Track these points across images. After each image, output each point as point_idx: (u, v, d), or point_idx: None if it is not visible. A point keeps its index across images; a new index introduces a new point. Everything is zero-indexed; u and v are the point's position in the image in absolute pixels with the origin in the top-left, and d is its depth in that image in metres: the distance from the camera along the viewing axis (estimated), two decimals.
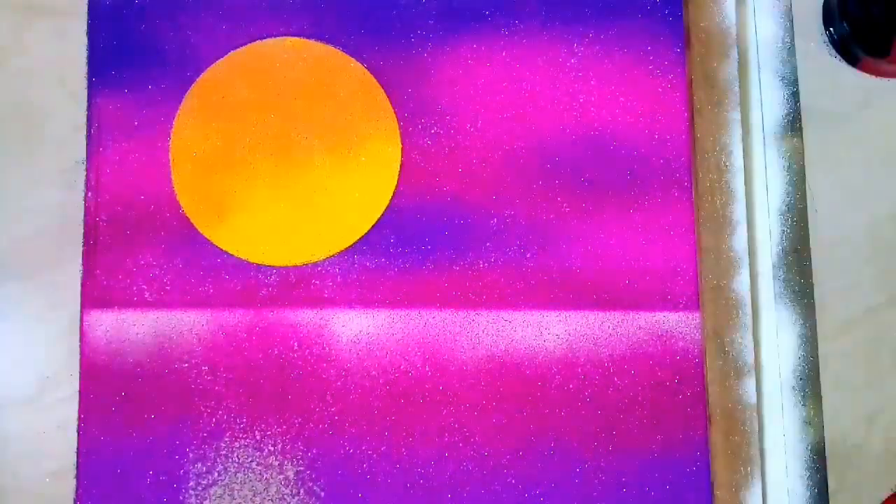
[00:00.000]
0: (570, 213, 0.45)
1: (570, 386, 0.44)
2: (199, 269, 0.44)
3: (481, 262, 0.45)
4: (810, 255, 0.45)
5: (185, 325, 0.44)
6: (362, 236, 0.45)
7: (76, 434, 0.43)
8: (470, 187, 0.45)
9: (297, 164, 0.45)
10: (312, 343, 0.44)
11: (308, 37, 0.46)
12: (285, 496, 0.43)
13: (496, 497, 0.43)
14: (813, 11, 0.47)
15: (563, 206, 0.45)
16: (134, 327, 0.44)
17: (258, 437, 0.43)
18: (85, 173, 0.45)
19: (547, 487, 0.43)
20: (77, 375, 0.43)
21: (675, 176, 0.45)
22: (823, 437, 0.44)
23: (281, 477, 0.43)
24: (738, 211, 0.45)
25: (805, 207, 0.46)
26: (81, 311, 0.44)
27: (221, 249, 0.44)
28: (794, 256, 0.45)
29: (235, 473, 0.43)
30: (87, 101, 0.45)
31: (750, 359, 0.44)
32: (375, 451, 0.43)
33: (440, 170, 0.45)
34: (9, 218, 0.45)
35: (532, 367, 0.44)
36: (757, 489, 0.43)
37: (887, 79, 0.47)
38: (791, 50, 0.47)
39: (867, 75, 0.47)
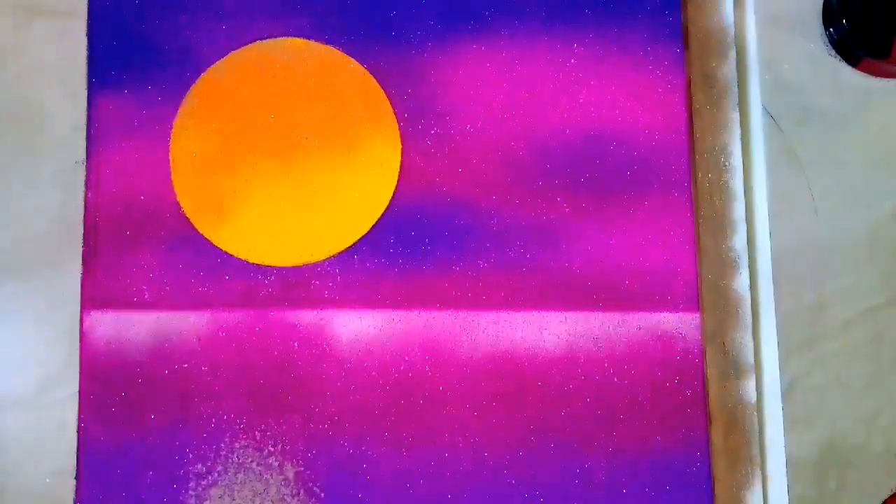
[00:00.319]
0: (570, 213, 0.45)
1: (570, 386, 0.44)
2: (199, 269, 0.44)
3: (481, 262, 0.45)
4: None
5: (185, 325, 0.44)
6: (362, 237, 0.45)
7: (76, 434, 0.43)
8: (470, 187, 0.45)
9: (297, 164, 0.45)
10: (312, 343, 0.44)
11: (308, 37, 0.46)
12: (285, 496, 0.43)
13: (496, 497, 0.43)
14: (813, 11, 0.47)
15: (563, 206, 0.45)
16: (134, 327, 0.44)
17: (258, 437, 0.43)
18: (85, 173, 0.45)
19: (547, 487, 0.43)
20: (77, 375, 0.43)
21: (675, 176, 0.45)
22: (823, 438, 0.44)
23: (281, 477, 0.43)
24: (738, 211, 0.45)
25: (804, 207, 0.46)
26: (81, 312, 0.44)
27: (221, 250, 0.44)
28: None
29: (235, 474, 0.43)
30: (87, 101, 0.45)
31: (750, 359, 0.44)
32: (375, 451, 0.43)
33: (440, 170, 0.45)
34: (9, 218, 0.45)
35: (532, 367, 0.44)
36: (757, 489, 0.43)
37: (887, 79, 0.47)
38: (790, 50, 0.47)
39: (867, 75, 0.46)
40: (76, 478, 0.43)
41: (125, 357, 0.43)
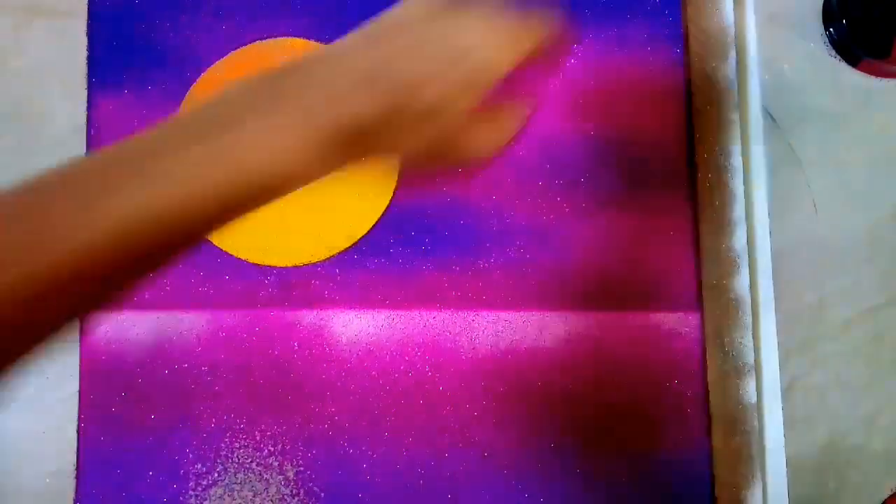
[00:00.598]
0: (570, 213, 0.45)
1: (570, 386, 0.44)
2: (200, 269, 0.44)
3: (481, 262, 0.45)
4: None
5: (185, 325, 0.44)
6: (362, 237, 0.45)
7: (76, 434, 0.43)
8: (470, 187, 0.45)
9: None
10: (312, 343, 0.44)
11: (308, 37, 0.46)
12: (285, 496, 0.43)
13: (496, 497, 0.43)
14: (813, 11, 0.47)
15: (563, 206, 0.45)
16: (134, 327, 0.44)
17: (258, 438, 0.43)
18: None
19: (547, 487, 0.43)
20: (77, 375, 0.43)
21: (674, 176, 0.45)
22: (823, 438, 0.44)
23: (281, 477, 0.43)
24: (738, 211, 0.45)
25: (804, 207, 0.46)
26: None
27: (221, 250, 0.44)
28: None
29: (235, 474, 0.43)
30: (87, 101, 0.45)
31: (750, 359, 0.44)
32: (375, 451, 0.43)
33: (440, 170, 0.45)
34: None
35: (532, 367, 0.44)
36: (757, 489, 0.43)
37: (887, 79, 0.47)
38: (790, 50, 0.47)
39: (867, 75, 0.46)
40: (76, 478, 0.43)
41: (125, 357, 0.43)
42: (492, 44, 0.28)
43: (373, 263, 0.44)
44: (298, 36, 0.46)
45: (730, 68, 0.46)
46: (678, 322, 0.44)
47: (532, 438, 0.43)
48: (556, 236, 0.45)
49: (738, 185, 0.45)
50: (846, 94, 0.47)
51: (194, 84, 0.45)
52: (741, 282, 0.44)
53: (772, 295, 0.45)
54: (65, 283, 0.22)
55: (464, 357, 0.44)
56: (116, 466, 0.43)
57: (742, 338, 0.44)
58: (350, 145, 0.26)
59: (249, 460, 0.43)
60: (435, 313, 0.44)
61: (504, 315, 0.44)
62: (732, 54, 0.46)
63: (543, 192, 0.45)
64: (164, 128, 0.24)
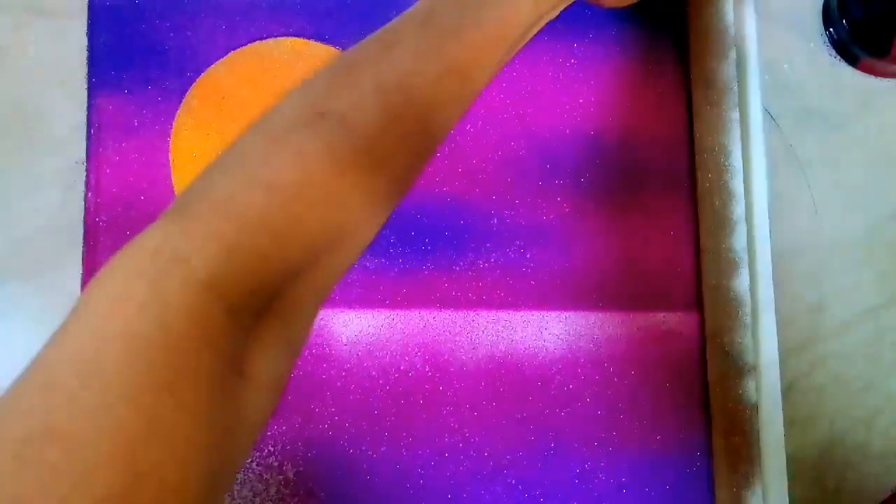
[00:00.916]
0: (570, 213, 0.45)
1: (570, 386, 0.44)
2: None
3: (481, 262, 0.45)
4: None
5: None
6: None
7: None
8: (470, 187, 0.45)
9: None
10: (312, 343, 0.44)
11: (308, 37, 0.46)
12: (285, 496, 0.43)
13: (496, 497, 0.43)
14: (813, 11, 0.47)
15: (563, 206, 0.45)
16: None
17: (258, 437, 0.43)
18: (85, 173, 0.45)
19: (547, 487, 0.43)
20: None
21: (674, 176, 0.45)
22: (823, 438, 0.44)
23: (281, 477, 0.43)
24: (738, 211, 0.45)
25: (804, 207, 0.46)
26: None
27: None
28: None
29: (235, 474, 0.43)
30: (87, 101, 0.45)
31: (750, 359, 0.44)
32: (375, 451, 0.43)
33: (440, 170, 0.45)
34: (9, 218, 0.45)
35: (532, 367, 0.44)
36: (757, 489, 0.43)
37: (887, 79, 0.47)
38: (790, 50, 0.47)
39: (867, 75, 0.46)
40: None
41: None
42: None
43: (373, 263, 0.44)
44: (298, 36, 0.46)
45: (730, 68, 0.46)
46: (678, 322, 0.44)
47: (532, 438, 0.43)
48: (556, 236, 0.45)
49: (738, 185, 0.45)
50: (846, 94, 0.47)
51: (194, 84, 0.45)
52: (741, 282, 0.44)
53: (772, 295, 0.45)
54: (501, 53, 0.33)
55: (464, 357, 0.44)
56: None
57: (742, 338, 0.44)
58: None
59: (249, 460, 0.43)
60: (435, 313, 0.44)
61: (504, 315, 0.44)
62: (732, 54, 0.46)
63: (543, 192, 0.45)
64: None
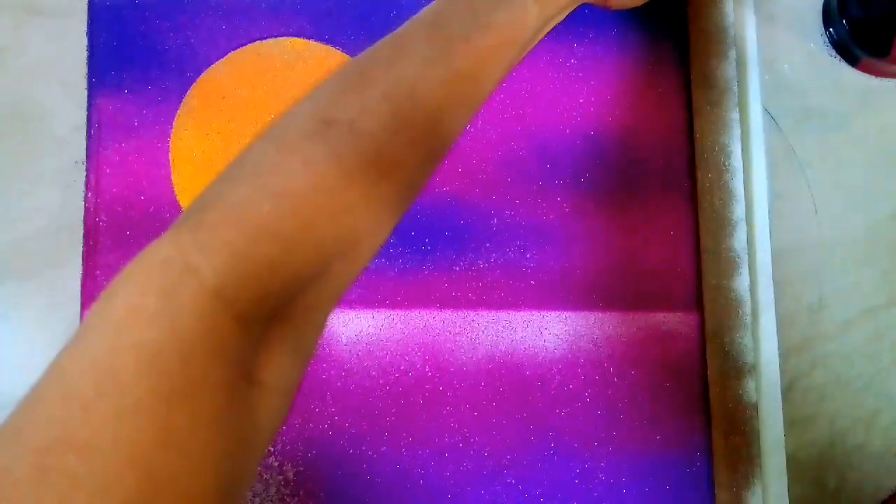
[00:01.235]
0: (570, 213, 0.45)
1: (570, 386, 0.44)
2: None
3: (481, 262, 0.45)
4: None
5: None
6: None
7: None
8: (470, 187, 0.45)
9: None
10: None
11: (308, 37, 0.46)
12: (285, 496, 0.43)
13: (496, 497, 0.43)
14: (813, 11, 0.47)
15: (563, 206, 0.45)
16: None
17: None
18: (85, 173, 0.45)
19: (547, 487, 0.43)
20: None
21: (674, 176, 0.45)
22: (823, 438, 0.44)
23: (280, 477, 0.43)
24: (738, 211, 0.45)
25: (804, 207, 0.46)
26: (81, 311, 0.44)
27: None
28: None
29: None
30: (87, 101, 0.45)
31: (750, 359, 0.44)
32: (375, 451, 0.43)
33: (440, 169, 0.45)
34: (9, 218, 0.45)
35: (532, 367, 0.44)
36: (757, 489, 0.43)
37: (887, 79, 0.47)
38: (790, 50, 0.47)
39: (867, 75, 0.46)
40: None
41: None
42: None
43: (373, 263, 0.44)
44: (298, 36, 0.46)
45: (730, 68, 0.46)
46: (678, 322, 0.44)
47: (532, 438, 0.43)
48: (556, 236, 0.45)
49: (738, 185, 0.45)
50: (846, 94, 0.47)
51: (194, 84, 0.45)
52: (741, 282, 0.44)
53: (772, 295, 0.45)
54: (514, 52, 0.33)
55: (464, 357, 0.44)
56: None
57: (742, 338, 0.44)
58: None
59: None
60: (435, 313, 0.44)
61: (504, 315, 0.44)
62: (732, 54, 0.46)
63: (543, 192, 0.45)
64: None
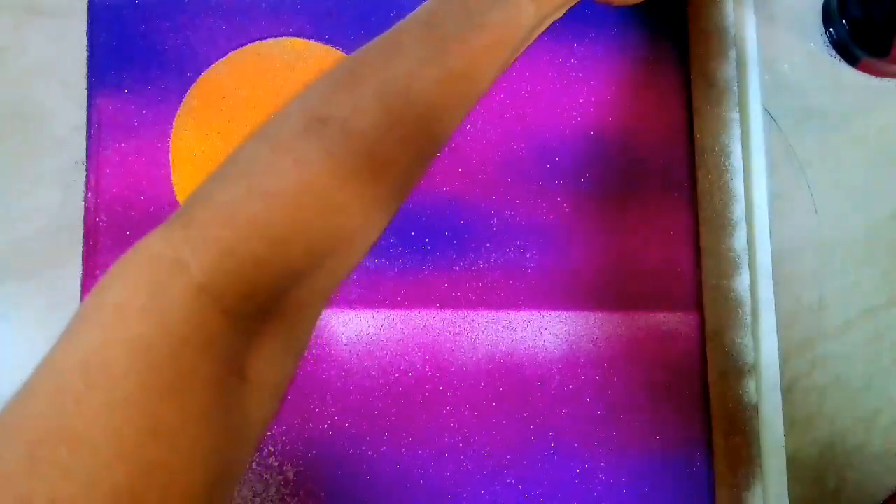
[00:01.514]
0: (570, 213, 0.45)
1: (570, 386, 0.44)
2: None
3: (481, 262, 0.45)
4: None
5: None
6: None
7: None
8: (470, 187, 0.45)
9: None
10: (312, 343, 0.44)
11: (308, 37, 0.46)
12: (285, 496, 0.43)
13: (496, 497, 0.43)
14: (813, 11, 0.47)
15: (563, 206, 0.45)
16: None
17: None
18: (85, 173, 0.45)
19: (547, 487, 0.43)
20: None
21: (674, 176, 0.45)
22: (823, 438, 0.44)
23: (280, 477, 0.43)
24: (738, 211, 0.45)
25: (804, 207, 0.46)
26: None
27: None
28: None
29: None
30: (87, 101, 0.45)
31: (750, 359, 0.44)
32: (375, 451, 0.43)
33: (440, 170, 0.45)
34: (9, 218, 0.45)
35: (532, 367, 0.44)
36: (757, 489, 0.43)
37: (887, 79, 0.47)
38: (790, 50, 0.47)
39: (867, 75, 0.46)
40: None
41: None
42: None
43: (373, 263, 0.44)
44: (298, 36, 0.46)
45: (730, 68, 0.46)
46: (678, 322, 0.44)
47: (532, 438, 0.43)
48: (556, 236, 0.45)
49: (738, 185, 0.45)
50: (846, 94, 0.47)
51: (194, 84, 0.45)
52: (741, 282, 0.44)
53: (772, 295, 0.45)
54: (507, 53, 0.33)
55: (464, 357, 0.44)
56: None
57: (742, 338, 0.44)
58: None
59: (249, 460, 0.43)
60: (435, 313, 0.44)
61: (504, 315, 0.44)
62: (732, 54, 0.46)
63: (543, 192, 0.45)
64: None
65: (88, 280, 0.44)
